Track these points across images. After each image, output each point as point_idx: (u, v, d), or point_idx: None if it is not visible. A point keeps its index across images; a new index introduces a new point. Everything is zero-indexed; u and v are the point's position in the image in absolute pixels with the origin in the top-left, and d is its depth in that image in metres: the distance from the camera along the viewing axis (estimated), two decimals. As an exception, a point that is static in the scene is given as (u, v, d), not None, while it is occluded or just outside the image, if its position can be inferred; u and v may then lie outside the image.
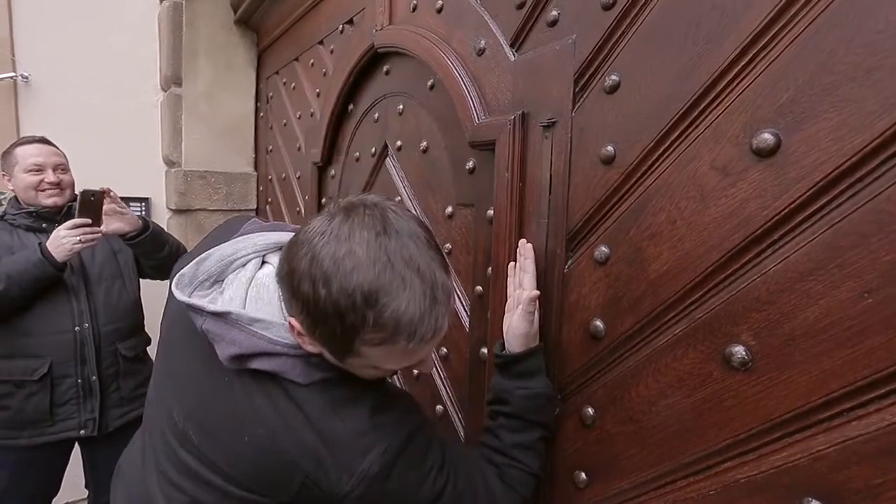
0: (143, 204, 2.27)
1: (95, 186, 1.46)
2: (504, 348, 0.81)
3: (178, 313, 0.74)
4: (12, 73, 2.01)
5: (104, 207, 1.48)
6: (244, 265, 0.72)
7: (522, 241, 0.83)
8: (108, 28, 2.19)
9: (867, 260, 0.48)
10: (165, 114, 2.22)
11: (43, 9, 2.07)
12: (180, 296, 0.67)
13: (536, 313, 0.79)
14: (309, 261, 0.58)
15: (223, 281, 0.71)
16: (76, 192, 1.51)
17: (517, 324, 0.78)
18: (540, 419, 0.79)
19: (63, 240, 1.40)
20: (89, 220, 1.43)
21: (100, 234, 1.47)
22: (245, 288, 0.69)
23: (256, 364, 0.65)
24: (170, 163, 2.24)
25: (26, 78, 2.04)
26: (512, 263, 0.85)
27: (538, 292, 0.77)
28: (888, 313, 0.47)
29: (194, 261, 0.70)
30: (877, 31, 0.48)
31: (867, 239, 0.48)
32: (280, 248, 0.72)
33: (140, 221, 1.59)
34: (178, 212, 2.19)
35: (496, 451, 0.79)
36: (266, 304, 0.68)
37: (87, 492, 1.76)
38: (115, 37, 2.20)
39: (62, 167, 1.58)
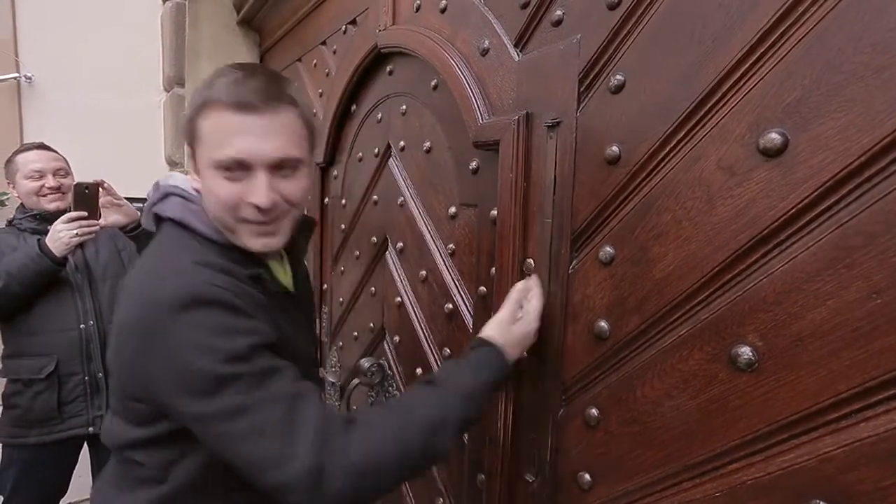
0: (138, 203, 2.27)
1: (90, 180, 1.46)
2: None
3: None
4: (16, 74, 2.02)
5: (101, 200, 1.48)
6: None
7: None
8: (110, 29, 2.20)
9: (875, 260, 0.48)
10: (168, 114, 2.22)
11: (46, 10, 2.08)
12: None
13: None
14: None
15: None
16: None
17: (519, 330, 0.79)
18: (451, 391, 0.72)
19: (60, 234, 1.41)
20: (85, 213, 1.44)
21: (98, 227, 1.47)
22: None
23: (151, 211, 0.80)
24: (172, 163, 2.25)
25: (29, 78, 2.06)
26: (520, 285, 0.84)
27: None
28: (897, 314, 0.47)
29: None
30: (886, 29, 0.47)
31: (875, 239, 0.48)
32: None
33: (139, 213, 1.59)
34: (180, 212, 2.19)
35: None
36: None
37: None
38: (118, 38, 2.21)
39: (62, 171, 1.59)
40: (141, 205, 1.59)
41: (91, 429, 1.54)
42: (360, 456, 0.63)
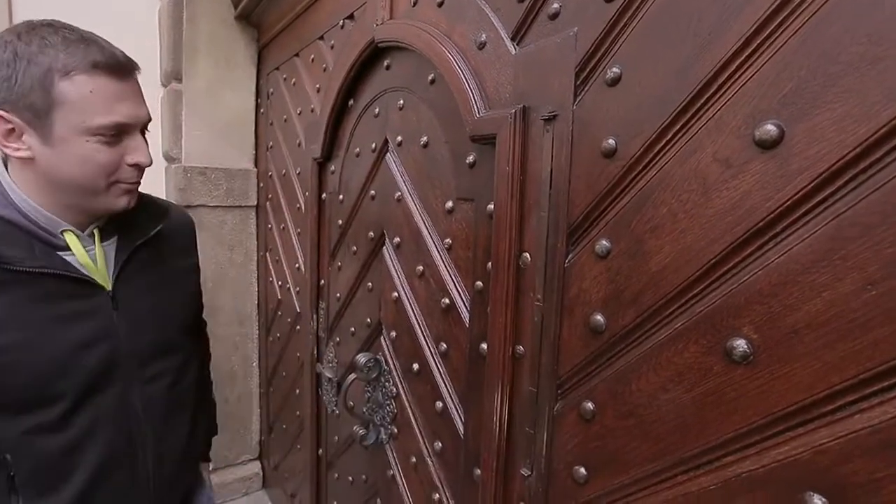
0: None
1: None
2: None
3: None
4: (12, 69, 2.01)
5: None
6: None
7: None
8: (107, 24, 2.18)
9: (871, 251, 0.48)
10: (166, 110, 2.21)
11: (43, 6, 2.07)
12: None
13: None
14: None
15: None
16: None
17: None
18: None
19: None
20: None
21: None
22: None
23: None
24: (170, 158, 2.24)
25: (26, 73, 2.05)
26: None
27: None
28: (891, 305, 0.47)
29: None
30: (882, 19, 0.47)
31: (871, 230, 0.48)
32: None
33: None
34: (178, 208, 2.19)
35: None
36: None
37: None
38: (115, 33, 2.20)
39: None
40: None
41: None
42: None
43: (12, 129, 0.71)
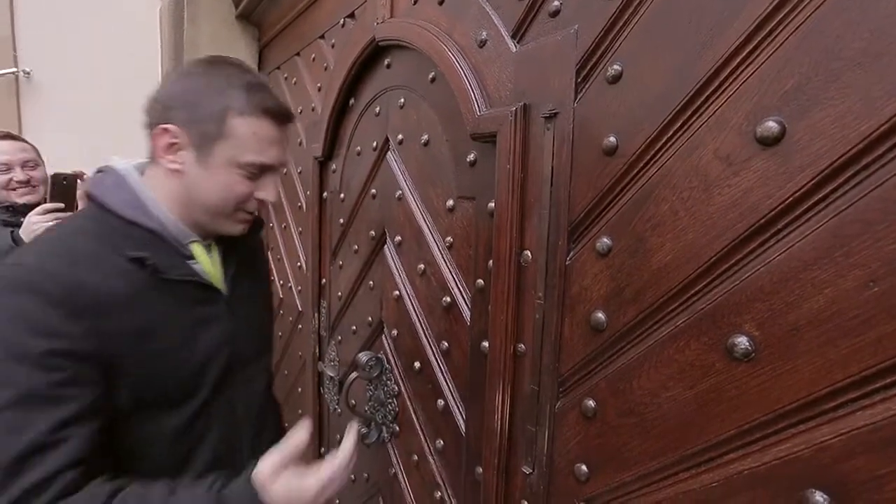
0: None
1: (67, 170, 1.44)
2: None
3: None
4: (14, 69, 2.02)
5: (79, 192, 1.45)
6: None
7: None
8: (109, 24, 2.19)
9: (873, 248, 0.48)
10: (167, 109, 2.22)
11: (44, 6, 2.07)
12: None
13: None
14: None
15: None
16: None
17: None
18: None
19: (34, 225, 1.37)
20: (62, 205, 1.41)
21: None
22: None
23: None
24: (171, 158, 2.24)
25: (28, 74, 2.05)
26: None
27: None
28: (894, 302, 0.46)
29: None
30: (885, 14, 0.47)
31: (873, 227, 0.48)
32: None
33: None
34: (179, 207, 2.19)
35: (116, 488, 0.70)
36: None
37: None
38: (117, 33, 2.20)
39: (31, 163, 1.53)
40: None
41: None
42: None
43: (174, 144, 0.80)
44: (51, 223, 1.38)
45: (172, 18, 2.10)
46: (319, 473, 0.77)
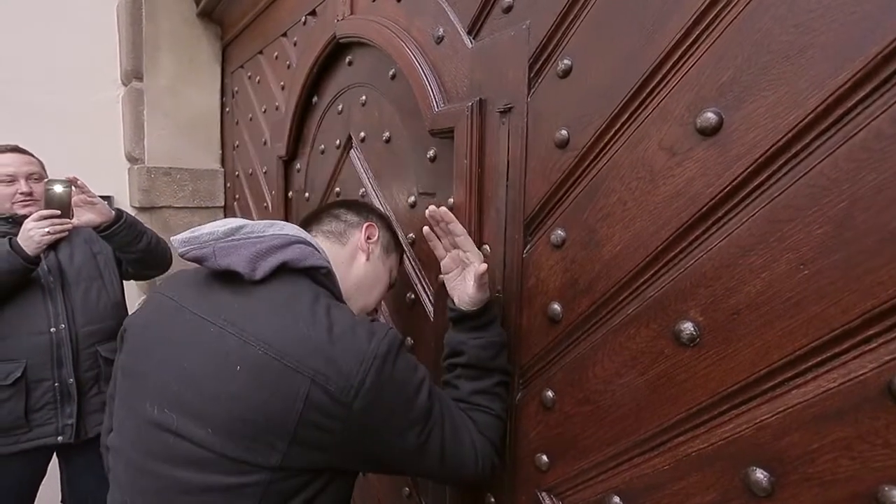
0: (106, 202, 2.20)
1: (61, 177, 1.42)
2: (455, 304, 0.84)
3: (155, 312, 0.75)
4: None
5: (73, 199, 1.44)
6: None
7: (432, 207, 0.82)
8: (64, 22, 2.11)
9: (803, 233, 0.50)
10: (127, 109, 2.16)
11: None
12: (184, 247, 0.70)
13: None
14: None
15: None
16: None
17: (474, 293, 0.79)
18: (496, 365, 0.82)
19: (30, 231, 1.36)
20: (58, 212, 1.40)
21: (70, 225, 1.44)
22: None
23: (274, 258, 0.70)
24: (132, 159, 2.18)
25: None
26: (426, 229, 0.87)
27: (486, 265, 0.78)
28: (822, 283, 0.49)
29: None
30: (808, 10, 0.49)
31: (802, 212, 0.50)
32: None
33: (112, 212, 1.54)
34: (142, 209, 2.13)
35: (458, 399, 0.81)
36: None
37: None
38: (73, 31, 2.13)
39: (36, 175, 1.53)
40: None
41: (60, 438, 1.48)
42: (497, 437, 0.80)
43: (375, 239, 0.91)
44: (47, 229, 1.37)
45: (130, 16, 2.05)
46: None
